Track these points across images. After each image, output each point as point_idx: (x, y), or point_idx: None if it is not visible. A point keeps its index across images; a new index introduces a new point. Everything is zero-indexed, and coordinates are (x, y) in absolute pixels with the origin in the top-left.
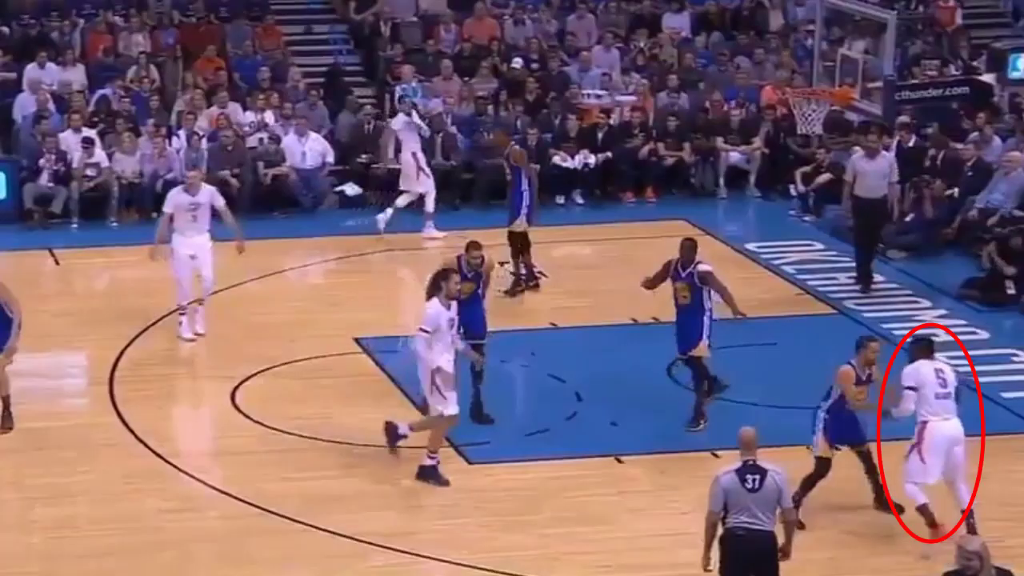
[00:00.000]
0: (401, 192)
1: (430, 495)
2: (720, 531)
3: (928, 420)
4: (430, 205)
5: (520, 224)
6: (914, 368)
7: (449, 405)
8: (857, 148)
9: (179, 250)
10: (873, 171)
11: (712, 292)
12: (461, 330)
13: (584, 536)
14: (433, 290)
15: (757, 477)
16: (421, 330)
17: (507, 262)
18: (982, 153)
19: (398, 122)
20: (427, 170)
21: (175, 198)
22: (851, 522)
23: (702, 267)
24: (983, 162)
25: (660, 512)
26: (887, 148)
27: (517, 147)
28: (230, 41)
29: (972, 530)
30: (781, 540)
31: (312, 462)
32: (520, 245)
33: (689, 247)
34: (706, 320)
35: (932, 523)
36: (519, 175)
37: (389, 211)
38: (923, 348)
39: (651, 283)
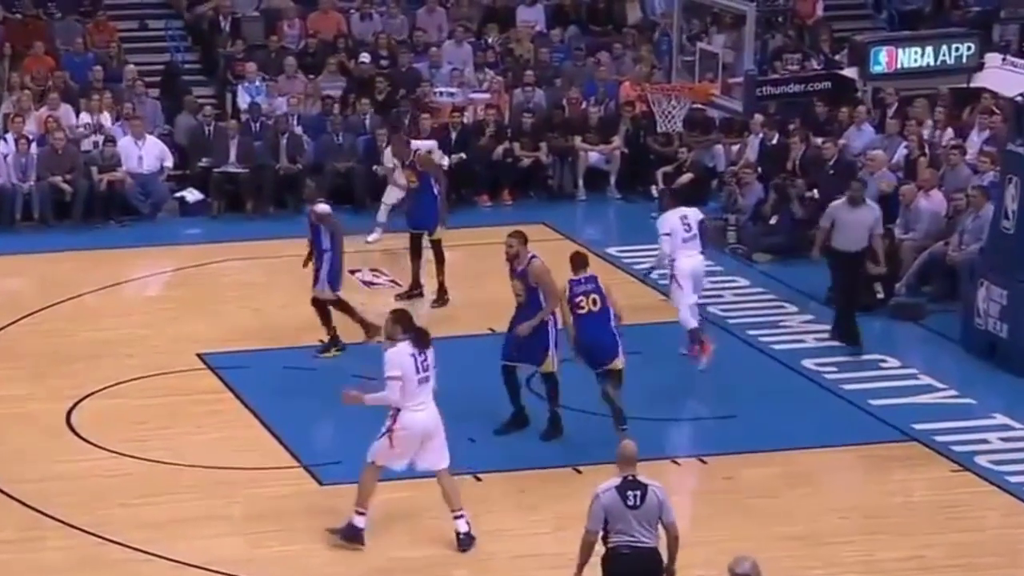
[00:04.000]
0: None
1: (274, 519)
2: (602, 551)
3: (677, 258)
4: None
5: (440, 231)
6: (663, 218)
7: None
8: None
9: None
10: (856, 222)
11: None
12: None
13: (442, 559)
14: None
15: (638, 493)
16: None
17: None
18: (848, 143)
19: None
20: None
21: None
22: None
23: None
24: (844, 159)
25: (521, 532)
26: (746, 145)
27: (423, 152)
28: (60, 38)
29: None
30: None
31: (154, 487)
32: (438, 254)
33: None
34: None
35: (702, 342)
36: (428, 181)
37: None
38: (672, 197)
39: None
